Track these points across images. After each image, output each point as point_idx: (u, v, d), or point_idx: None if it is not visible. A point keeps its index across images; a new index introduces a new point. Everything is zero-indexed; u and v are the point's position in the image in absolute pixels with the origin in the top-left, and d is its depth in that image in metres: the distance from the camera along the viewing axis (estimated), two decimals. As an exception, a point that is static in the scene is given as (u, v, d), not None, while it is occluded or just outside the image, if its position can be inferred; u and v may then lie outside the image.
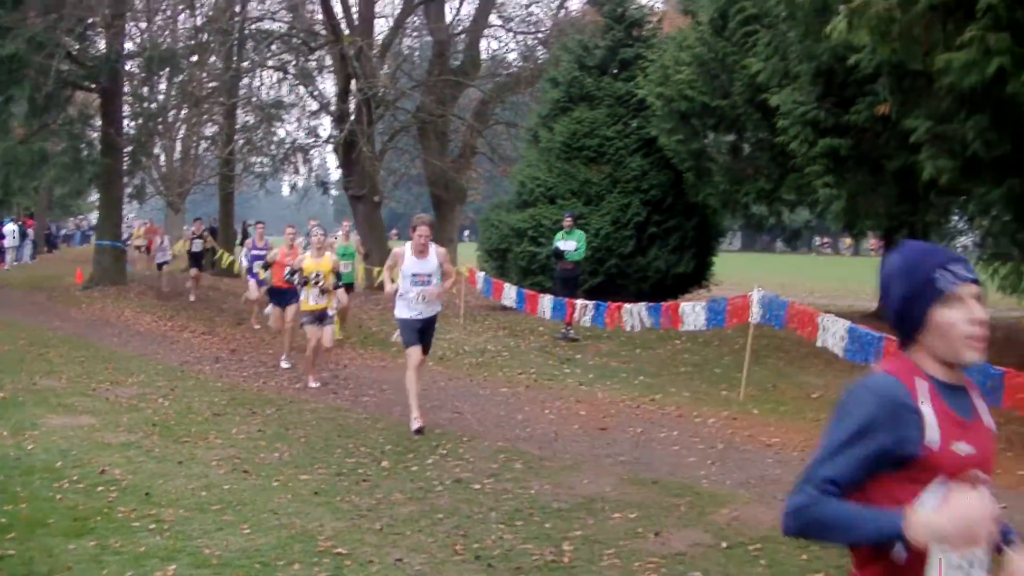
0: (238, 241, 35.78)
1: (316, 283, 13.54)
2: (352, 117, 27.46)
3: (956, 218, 21.27)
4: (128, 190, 31.38)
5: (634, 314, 15.19)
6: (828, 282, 39.38)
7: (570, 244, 18.88)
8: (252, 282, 20.20)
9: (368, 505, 7.98)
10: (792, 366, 15.60)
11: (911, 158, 14.23)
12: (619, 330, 16.08)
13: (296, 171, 32.63)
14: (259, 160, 33.89)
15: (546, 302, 17.87)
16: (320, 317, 13.76)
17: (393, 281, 11.41)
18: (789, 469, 9.69)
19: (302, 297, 13.85)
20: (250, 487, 8.47)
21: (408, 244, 11.18)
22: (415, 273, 10.96)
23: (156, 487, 8.39)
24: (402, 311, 11.10)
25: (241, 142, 32.99)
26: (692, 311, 14.72)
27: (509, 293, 19.77)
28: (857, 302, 26.82)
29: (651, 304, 15.16)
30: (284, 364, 15.68)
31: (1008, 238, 13.77)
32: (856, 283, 36.24)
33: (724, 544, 7.22)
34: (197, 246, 26.98)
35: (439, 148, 32.20)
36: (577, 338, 18.13)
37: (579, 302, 16.96)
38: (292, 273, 13.88)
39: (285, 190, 50.35)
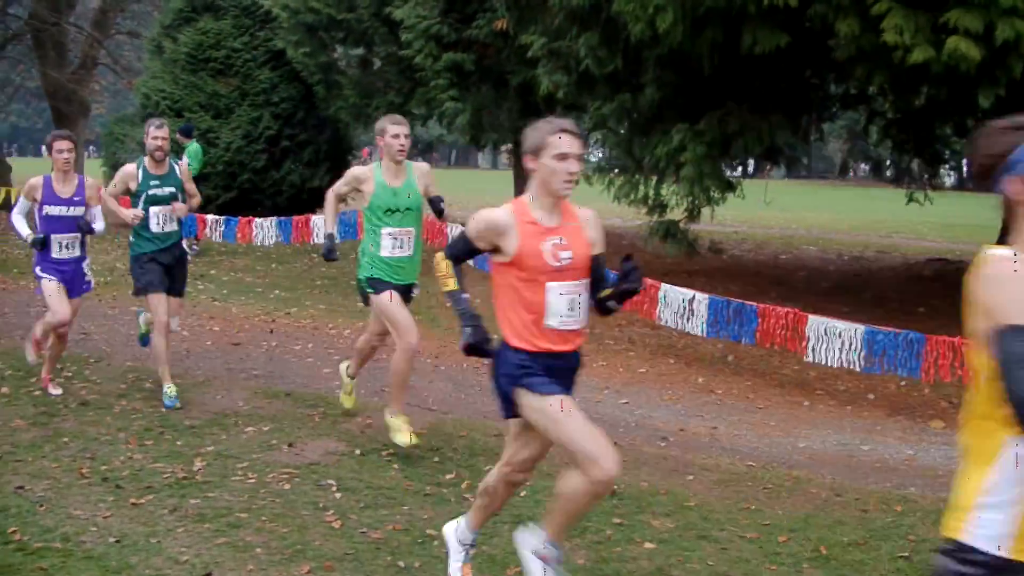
0: None
1: None
2: (-44, 24, 25.57)
3: (585, 132, 22.14)
4: None
5: (264, 228, 15.01)
6: (466, 194, 40.31)
7: (183, 160, 18.53)
8: (48, 282, 8.56)
9: (-14, 434, 7.58)
10: (426, 276, 15.89)
11: (531, 73, 14.70)
12: (253, 246, 15.84)
13: None
14: None
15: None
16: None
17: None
18: (422, 376, 9.95)
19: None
20: None
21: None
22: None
23: None
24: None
25: None
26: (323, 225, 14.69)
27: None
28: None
29: (282, 218, 15.03)
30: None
31: (622, 150, 14.47)
32: (492, 196, 37.30)
33: (358, 451, 7.37)
34: None
35: (57, 59, 30.41)
36: (198, 251, 17.54)
37: (209, 217, 16.57)
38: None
39: None
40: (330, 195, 7.83)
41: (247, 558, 5.34)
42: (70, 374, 9.55)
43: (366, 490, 6.47)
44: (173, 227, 8.87)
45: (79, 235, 8.63)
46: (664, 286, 10.48)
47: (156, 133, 8.67)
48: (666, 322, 10.45)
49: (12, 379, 9.30)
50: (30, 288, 14.48)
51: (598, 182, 15.51)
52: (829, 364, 9.28)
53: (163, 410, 8.31)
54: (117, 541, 5.52)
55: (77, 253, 8.69)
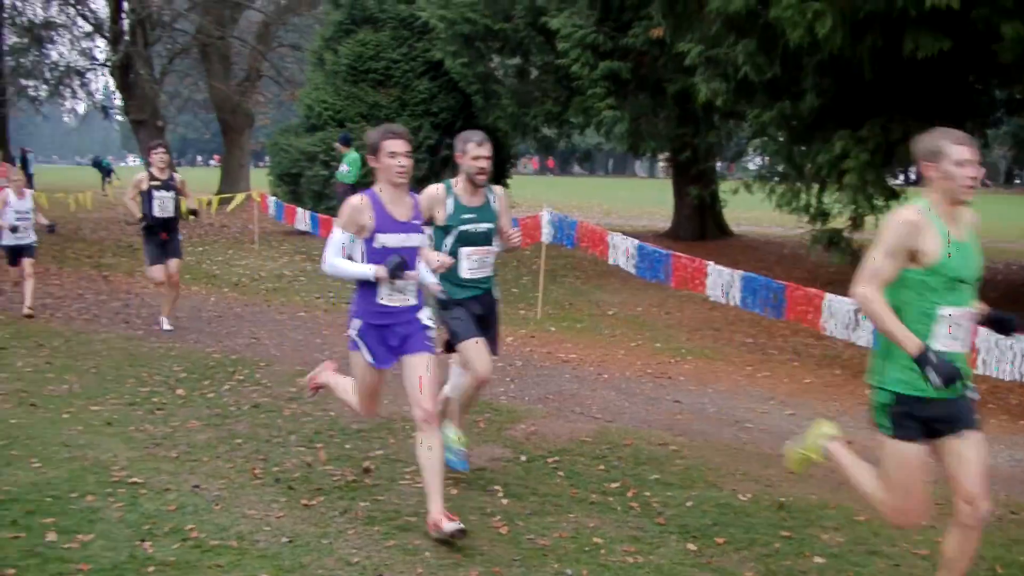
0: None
1: None
2: (127, 38, 26.50)
3: (745, 140, 21.87)
4: None
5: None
6: (626, 204, 40.26)
7: (342, 168, 19.13)
8: (359, 360, 6.22)
9: (163, 433, 7.82)
10: (588, 284, 15.99)
11: (688, 81, 14.62)
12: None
13: (74, 95, 31.35)
14: (32, 84, 32.38)
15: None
16: None
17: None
18: (585, 384, 9.97)
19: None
20: (39, 420, 8.17)
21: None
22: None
23: (-64, 425, 8.02)
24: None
25: (12, 64, 31.41)
26: (485, 233, 14.75)
27: (302, 217, 19.59)
28: (652, 222, 27.53)
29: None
30: None
31: (783, 158, 14.30)
32: (651, 204, 37.20)
33: (523, 458, 7.40)
34: (165, 204, 12.20)
35: (223, 71, 31.42)
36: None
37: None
38: None
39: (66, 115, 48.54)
40: (875, 297, 4.54)
41: (416, 561, 5.42)
42: (242, 377, 9.82)
43: (532, 497, 6.50)
44: (487, 272, 6.66)
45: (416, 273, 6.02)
46: (829, 296, 10.29)
47: (478, 152, 6.54)
48: (831, 332, 10.27)
49: (187, 381, 9.61)
50: (202, 293, 14.98)
51: (759, 190, 15.34)
52: (1000, 377, 9.02)
53: (331, 414, 8.48)
54: (290, 541, 5.66)
55: (412, 300, 6.04)
